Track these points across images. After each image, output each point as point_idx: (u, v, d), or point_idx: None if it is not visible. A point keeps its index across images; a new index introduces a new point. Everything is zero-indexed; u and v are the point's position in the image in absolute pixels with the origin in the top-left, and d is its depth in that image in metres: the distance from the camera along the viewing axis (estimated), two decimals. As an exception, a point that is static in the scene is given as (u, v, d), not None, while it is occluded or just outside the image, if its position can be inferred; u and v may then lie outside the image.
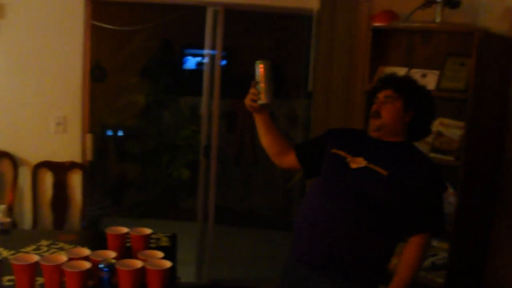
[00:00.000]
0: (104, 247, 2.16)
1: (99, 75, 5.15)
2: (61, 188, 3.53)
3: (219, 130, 3.85)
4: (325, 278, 2.02)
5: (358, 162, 2.08)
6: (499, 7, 3.17)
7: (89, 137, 3.59)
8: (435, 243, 3.01)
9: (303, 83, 4.04)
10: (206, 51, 3.83)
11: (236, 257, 4.64)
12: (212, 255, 3.99)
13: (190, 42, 6.05)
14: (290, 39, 5.39)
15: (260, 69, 2.08)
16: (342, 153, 2.13)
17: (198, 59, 6.04)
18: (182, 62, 6.27)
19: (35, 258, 1.91)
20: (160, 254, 2.08)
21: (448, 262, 2.92)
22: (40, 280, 1.90)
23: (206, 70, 3.83)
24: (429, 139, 2.87)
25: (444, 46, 3.14)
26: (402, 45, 3.26)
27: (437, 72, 3.05)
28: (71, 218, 3.58)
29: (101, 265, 1.88)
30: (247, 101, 2.12)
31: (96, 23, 3.71)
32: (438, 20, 3.03)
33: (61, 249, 2.29)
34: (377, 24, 3.22)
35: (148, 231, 2.27)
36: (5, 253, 2.22)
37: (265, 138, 2.25)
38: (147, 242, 2.26)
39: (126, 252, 2.19)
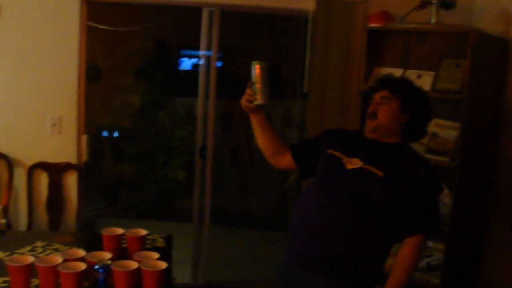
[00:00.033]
0: (100, 248, 2.16)
1: (94, 75, 5.13)
2: (56, 189, 3.52)
3: (214, 131, 3.84)
4: (320, 278, 2.02)
5: (354, 163, 2.08)
6: (494, 8, 3.18)
7: (84, 138, 3.58)
8: (430, 243, 3.01)
9: (298, 83, 4.04)
10: (201, 52, 3.83)
11: (232, 258, 4.63)
12: (208, 256, 3.99)
13: (186, 43, 6.04)
14: (286, 40, 5.39)
15: (256, 69, 2.08)
16: (338, 153, 2.13)
17: (194, 60, 6.02)
18: (177, 63, 6.25)
19: (30, 259, 1.90)
20: (155, 255, 2.08)
21: (444, 262, 2.93)
22: (35, 281, 1.90)
23: (201, 71, 3.83)
24: (424, 140, 2.86)
25: (439, 47, 3.14)
26: (397, 46, 3.27)
27: (432, 73, 3.06)
28: (67, 219, 3.56)
29: (96, 266, 1.88)
30: (243, 101, 2.12)
31: (91, 24, 3.70)
32: (433, 21, 3.04)
33: (57, 250, 2.29)
34: (372, 25, 3.22)
35: (143, 232, 2.28)
36: (0, 254, 2.21)
37: (261, 139, 2.25)
38: (142, 243, 2.26)
39: (121, 253, 2.19)
